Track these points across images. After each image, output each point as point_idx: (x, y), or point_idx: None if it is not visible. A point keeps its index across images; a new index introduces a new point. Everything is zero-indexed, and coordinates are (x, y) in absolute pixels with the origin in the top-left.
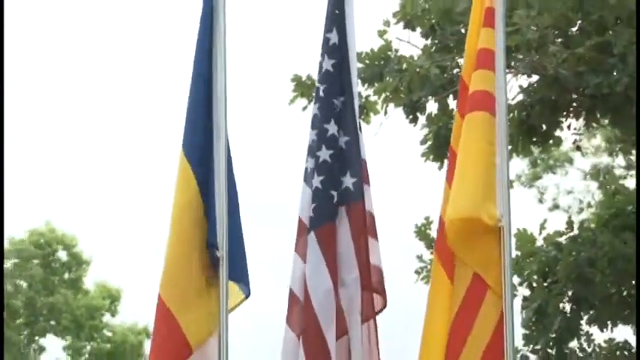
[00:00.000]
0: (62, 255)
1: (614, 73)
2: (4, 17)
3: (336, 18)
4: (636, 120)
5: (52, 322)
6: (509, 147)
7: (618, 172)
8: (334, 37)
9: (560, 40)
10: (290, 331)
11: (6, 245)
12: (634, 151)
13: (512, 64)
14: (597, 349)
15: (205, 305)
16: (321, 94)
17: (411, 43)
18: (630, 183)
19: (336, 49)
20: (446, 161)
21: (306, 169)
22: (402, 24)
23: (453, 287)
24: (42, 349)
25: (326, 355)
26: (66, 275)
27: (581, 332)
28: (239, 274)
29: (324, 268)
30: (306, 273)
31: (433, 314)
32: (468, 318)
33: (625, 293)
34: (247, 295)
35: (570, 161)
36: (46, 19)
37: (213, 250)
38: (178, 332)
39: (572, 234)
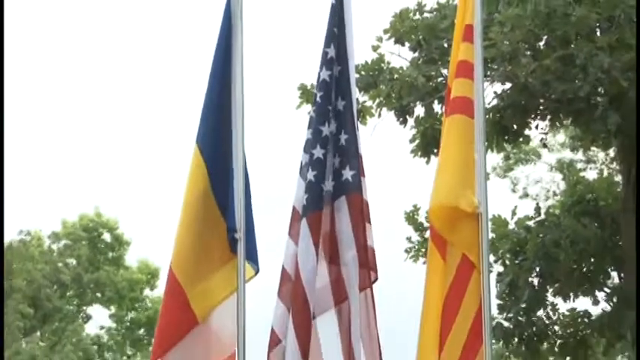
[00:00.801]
0: (107, 237)
1: (577, 82)
2: (4, 17)
3: (334, 35)
4: (636, 121)
5: (98, 294)
6: (486, 144)
7: (579, 165)
8: (332, 52)
9: (529, 52)
10: (281, 304)
11: (59, 228)
12: (593, 148)
13: (489, 73)
14: (561, 317)
15: (212, 281)
16: (318, 99)
17: (400, 56)
18: (589, 175)
19: (333, 62)
20: (432, 157)
21: (301, 163)
22: (392, 40)
23: (446, 265)
24: (89, 317)
25: (309, 324)
26: (110, 254)
27: (547, 303)
28: (251, 253)
29: (312, 249)
30: (297, 253)
31: (430, 289)
32: (458, 294)
33: (585, 269)
34: (257, 272)
35: (538, 156)
36: (79, 10)
37: (232, 232)
38: (186, 304)
39: (539, 218)
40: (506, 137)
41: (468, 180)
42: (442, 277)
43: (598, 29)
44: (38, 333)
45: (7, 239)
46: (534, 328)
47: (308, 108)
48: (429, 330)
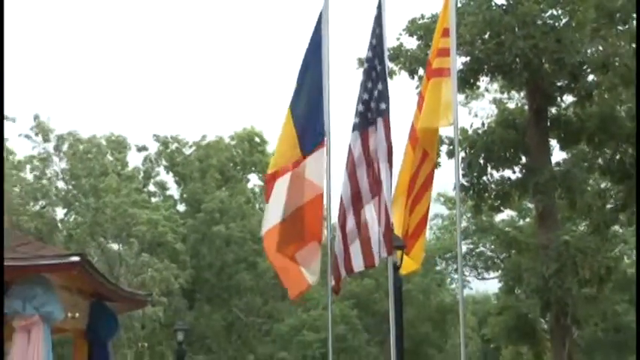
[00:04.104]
0: (257, 139)
1: (506, 55)
2: (3, 17)
3: (376, 32)
4: (637, 119)
5: (252, 169)
6: (456, 89)
7: (505, 100)
8: (375, 42)
9: (480, 40)
10: (346, 177)
11: (232, 133)
12: (513, 91)
13: (458, 52)
14: (495, 181)
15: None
16: (366, 68)
17: (412, 44)
18: (510, 105)
19: (374, 47)
20: None
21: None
22: (407, 34)
23: (414, 155)
24: (248, 180)
25: (359, 189)
26: (259, 148)
27: (488, 173)
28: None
29: (360, 144)
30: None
31: (403, 168)
32: (417, 172)
33: (507, 155)
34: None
35: (483, 95)
36: None
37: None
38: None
39: (484, 129)
40: (466, 86)
41: (446, 110)
42: (411, 163)
43: (517, 28)
44: (224, 188)
45: (206, 140)
46: (480, 186)
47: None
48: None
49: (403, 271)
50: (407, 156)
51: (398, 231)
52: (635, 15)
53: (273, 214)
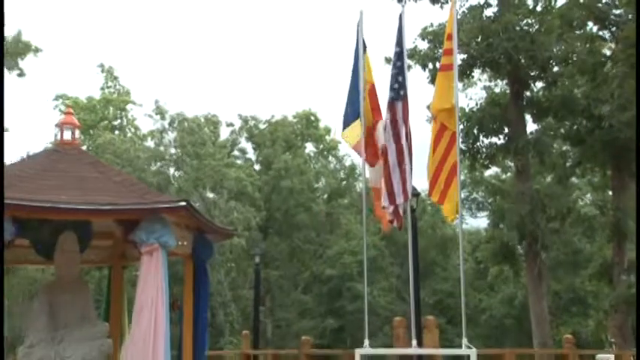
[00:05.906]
0: (312, 118)
1: (494, 53)
2: (3, 17)
3: (398, 38)
4: (636, 127)
5: (309, 139)
6: (456, 79)
7: (492, 87)
8: (397, 49)
9: (474, 42)
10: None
11: (294, 112)
12: (498, 80)
13: (458, 51)
14: (486, 145)
15: None
16: (392, 64)
17: (424, 46)
18: (497, 89)
19: (397, 49)
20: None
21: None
22: (420, 39)
23: (435, 127)
24: (306, 147)
25: (401, 152)
26: (313, 124)
27: (481, 139)
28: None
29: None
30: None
31: (433, 140)
32: (439, 138)
33: (494, 126)
34: None
35: (476, 84)
36: None
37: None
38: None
39: (477, 107)
40: (464, 77)
41: (449, 94)
42: (434, 132)
43: (501, 33)
44: (288, 153)
45: (275, 118)
46: (474, 149)
47: (388, 66)
48: (430, 154)
49: (449, 219)
50: (433, 129)
51: (431, 186)
52: (590, 22)
53: (375, 176)
